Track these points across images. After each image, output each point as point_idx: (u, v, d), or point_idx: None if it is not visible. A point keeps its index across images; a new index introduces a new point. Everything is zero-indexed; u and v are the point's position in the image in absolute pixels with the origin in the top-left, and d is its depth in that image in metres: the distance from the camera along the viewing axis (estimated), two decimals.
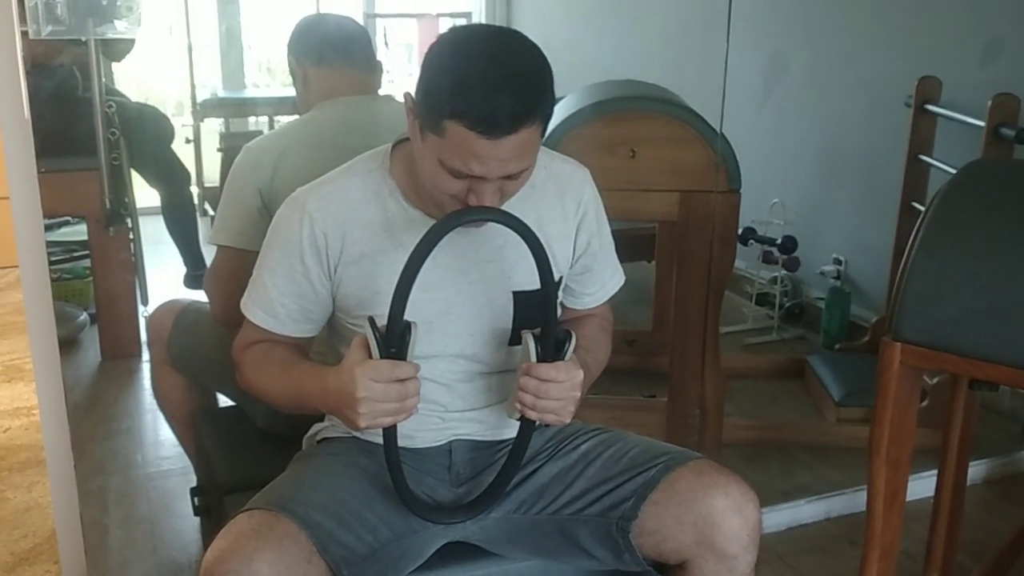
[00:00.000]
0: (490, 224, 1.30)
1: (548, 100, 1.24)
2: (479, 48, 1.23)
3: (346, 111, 1.82)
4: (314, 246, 1.36)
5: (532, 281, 1.34)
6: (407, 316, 1.23)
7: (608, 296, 1.58)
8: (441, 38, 1.26)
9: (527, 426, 1.36)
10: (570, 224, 1.46)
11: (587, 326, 1.54)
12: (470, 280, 1.39)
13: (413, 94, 1.27)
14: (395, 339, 1.24)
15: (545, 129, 1.26)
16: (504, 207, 1.32)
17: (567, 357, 1.31)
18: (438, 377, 1.41)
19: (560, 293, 1.49)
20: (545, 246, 1.28)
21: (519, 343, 1.39)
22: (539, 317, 1.32)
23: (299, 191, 1.40)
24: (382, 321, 1.24)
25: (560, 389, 1.30)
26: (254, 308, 1.42)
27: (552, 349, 1.30)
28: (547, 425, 1.36)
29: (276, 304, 1.40)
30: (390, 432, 1.29)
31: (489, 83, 1.18)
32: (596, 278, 1.54)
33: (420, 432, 1.42)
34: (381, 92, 1.94)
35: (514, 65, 1.22)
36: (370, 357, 1.24)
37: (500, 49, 1.23)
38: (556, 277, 1.39)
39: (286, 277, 1.39)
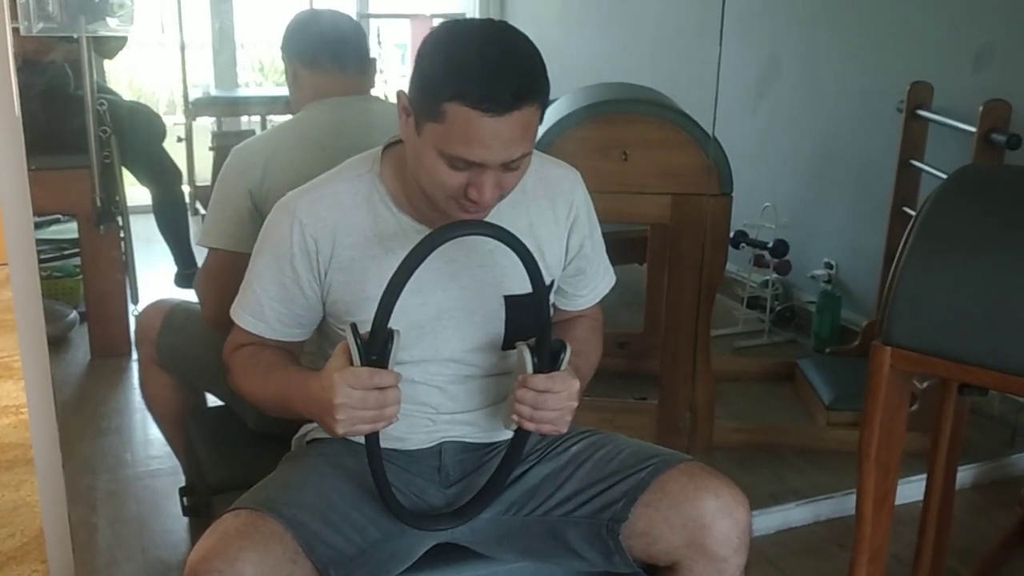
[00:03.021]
0: None
1: (545, 82, 1.25)
2: (474, 35, 1.24)
3: (335, 112, 1.81)
4: (304, 251, 1.36)
5: (524, 285, 1.34)
6: (396, 321, 1.22)
7: (600, 297, 1.58)
8: (434, 30, 1.27)
9: (521, 436, 1.36)
10: (561, 227, 1.46)
11: (579, 327, 1.54)
12: (461, 285, 1.39)
13: (406, 92, 1.27)
14: (377, 347, 1.23)
15: (543, 115, 1.26)
16: (496, 212, 1.32)
17: (563, 367, 1.31)
18: (429, 380, 1.40)
19: (552, 295, 1.49)
20: (537, 250, 1.28)
21: (512, 347, 1.39)
22: (532, 323, 1.32)
23: (289, 196, 1.39)
24: (366, 328, 1.24)
25: (557, 400, 1.30)
26: (243, 313, 1.42)
27: (548, 360, 1.30)
28: (544, 435, 1.36)
29: (265, 309, 1.40)
30: (372, 439, 1.28)
31: (489, 62, 1.19)
32: (588, 280, 1.54)
33: (411, 435, 1.42)
34: (373, 93, 1.93)
35: (511, 46, 1.23)
36: (351, 364, 1.24)
37: (495, 34, 1.25)
38: (548, 280, 1.39)
39: (275, 282, 1.38)
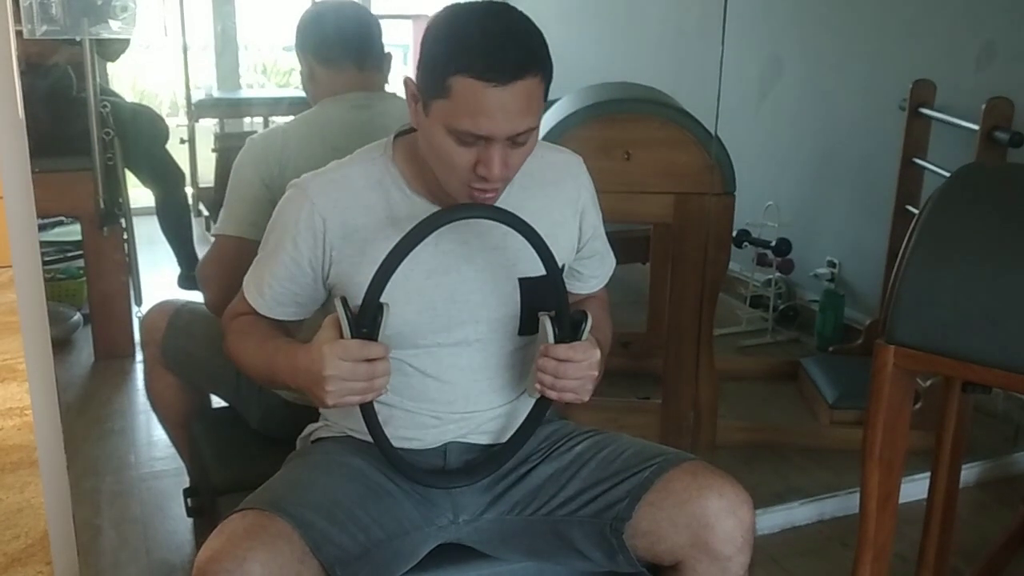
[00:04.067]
0: None
1: (548, 55, 1.26)
2: (476, 13, 1.26)
3: (353, 112, 1.81)
4: (311, 229, 1.36)
5: (538, 268, 1.35)
6: (410, 303, 1.23)
7: (608, 276, 1.60)
8: (436, 15, 1.28)
9: (543, 403, 1.39)
10: (574, 209, 1.47)
11: (591, 307, 1.55)
12: (476, 267, 1.39)
13: (413, 78, 1.28)
14: (367, 319, 1.25)
15: (547, 90, 1.27)
16: (506, 197, 1.33)
17: (584, 337, 1.34)
18: (441, 374, 1.41)
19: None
20: (550, 234, 1.31)
21: (529, 332, 1.41)
22: (548, 303, 1.35)
23: (303, 176, 1.41)
24: (355, 303, 1.26)
25: (578, 368, 1.33)
26: (249, 285, 1.45)
27: (569, 330, 1.33)
28: (567, 404, 1.38)
29: (264, 284, 1.42)
30: (367, 406, 1.30)
31: (491, 35, 1.21)
32: (600, 260, 1.57)
33: (419, 436, 1.43)
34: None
35: (513, 21, 1.25)
36: (341, 336, 1.25)
37: (497, 10, 1.26)
38: (560, 264, 1.40)
39: (276, 259, 1.40)
